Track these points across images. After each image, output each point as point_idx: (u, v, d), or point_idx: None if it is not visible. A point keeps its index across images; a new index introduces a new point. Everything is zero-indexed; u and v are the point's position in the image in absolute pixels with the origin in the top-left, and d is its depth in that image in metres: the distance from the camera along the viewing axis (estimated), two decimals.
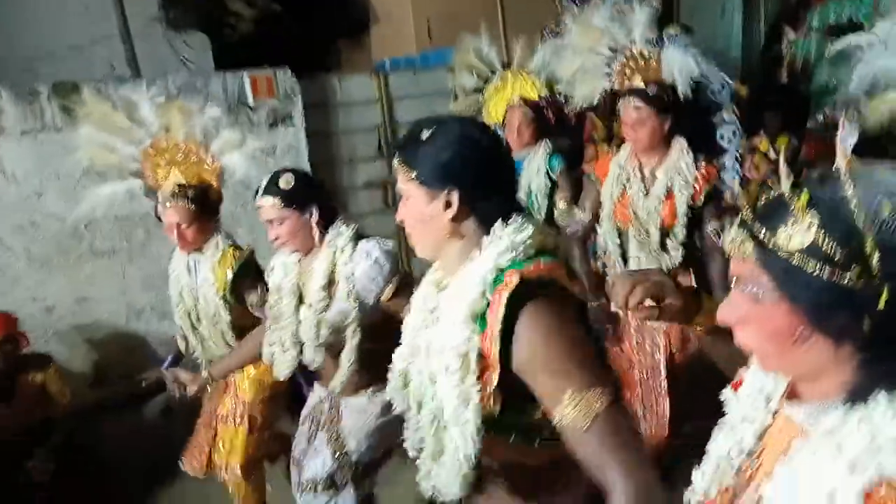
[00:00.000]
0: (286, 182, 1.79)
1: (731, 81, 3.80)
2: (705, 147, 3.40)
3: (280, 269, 1.89)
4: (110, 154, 2.24)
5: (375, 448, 1.93)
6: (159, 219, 2.23)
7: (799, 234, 0.65)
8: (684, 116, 2.26)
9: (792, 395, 0.77)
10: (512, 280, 1.01)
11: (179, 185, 2.17)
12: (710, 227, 2.22)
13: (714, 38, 5.25)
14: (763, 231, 0.68)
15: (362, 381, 1.84)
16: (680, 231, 2.22)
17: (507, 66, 3.29)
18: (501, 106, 3.17)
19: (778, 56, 4.87)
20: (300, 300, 1.82)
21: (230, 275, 2.17)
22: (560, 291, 1.06)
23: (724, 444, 0.83)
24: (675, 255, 2.24)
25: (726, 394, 0.88)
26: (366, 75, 4.38)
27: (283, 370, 1.86)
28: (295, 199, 1.78)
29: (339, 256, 1.77)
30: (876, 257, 0.62)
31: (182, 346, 2.45)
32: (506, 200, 1.11)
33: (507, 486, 1.11)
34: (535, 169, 2.99)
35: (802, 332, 0.68)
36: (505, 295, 1.00)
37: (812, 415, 0.72)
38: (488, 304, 1.02)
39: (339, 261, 1.77)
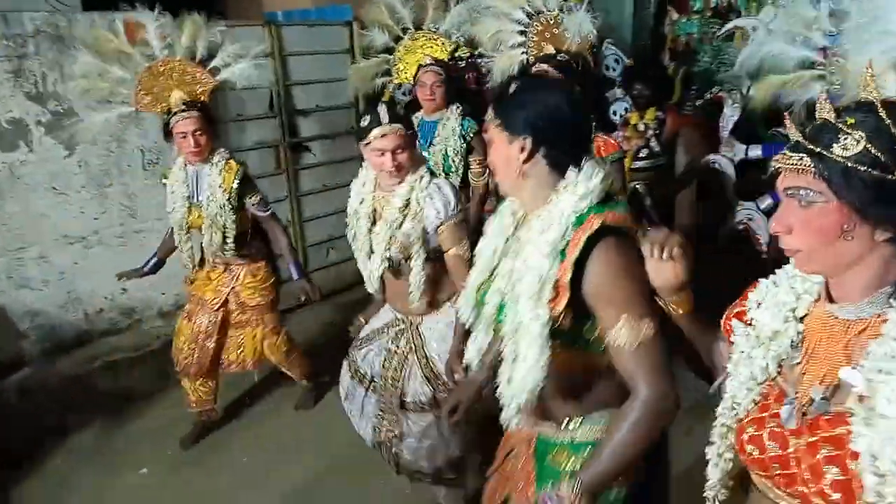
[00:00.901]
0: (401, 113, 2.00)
1: (625, 59, 3.92)
2: (601, 122, 3.48)
3: (356, 197, 2.15)
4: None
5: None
6: (168, 138, 2.59)
7: (852, 145, 0.86)
8: (587, 90, 2.31)
9: (829, 300, 0.96)
10: (593, 224, 1.23)
11: (185, 101, 2.54)
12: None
13: (607, 16, 5.38)
14: (820, 147, 0.89)
15: (433, 301, 2.10)
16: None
17: (419, 25, 3.19)
18: (413, 66, 3.09)
19: (663, 36, 5.09)
20: (373, 223, 2.09)
21: (236, 182, 2.62)
22: (626, 234, 1.27)
23: (745, 370, 1.03)
24: None
25: (734, 324, 1.08)
26: (256, 27, 4.09)
27: (368, 286, 2.19)
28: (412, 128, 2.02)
29: (418, 185, 2.00)
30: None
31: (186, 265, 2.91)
32: (575, 150, 1.30)
33: (560, 386, 1.37)
34: (449, 131, 2.97)
35: (848, 226, 0.88)
36: (585, 236, 1.23)
37: (862, 308, 0.91)
38: (568, 242, 1.24)
39: (417, 189, 2.00)
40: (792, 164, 0.91)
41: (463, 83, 3.31)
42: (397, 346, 2.14)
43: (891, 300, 0.89)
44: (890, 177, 0.85)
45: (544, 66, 2.22)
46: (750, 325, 1.06)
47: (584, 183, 1.26)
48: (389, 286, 2.14)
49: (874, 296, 0.90)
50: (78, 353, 3.48)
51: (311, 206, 4.57)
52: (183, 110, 2.52)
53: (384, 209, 2.05)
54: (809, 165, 0.89)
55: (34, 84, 3.27)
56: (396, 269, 2.05)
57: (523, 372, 1.26)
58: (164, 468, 2.89)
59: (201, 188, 2.68)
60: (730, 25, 3.49)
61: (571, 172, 1.28)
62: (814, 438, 0.89)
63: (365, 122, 1.93)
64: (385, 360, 2.15)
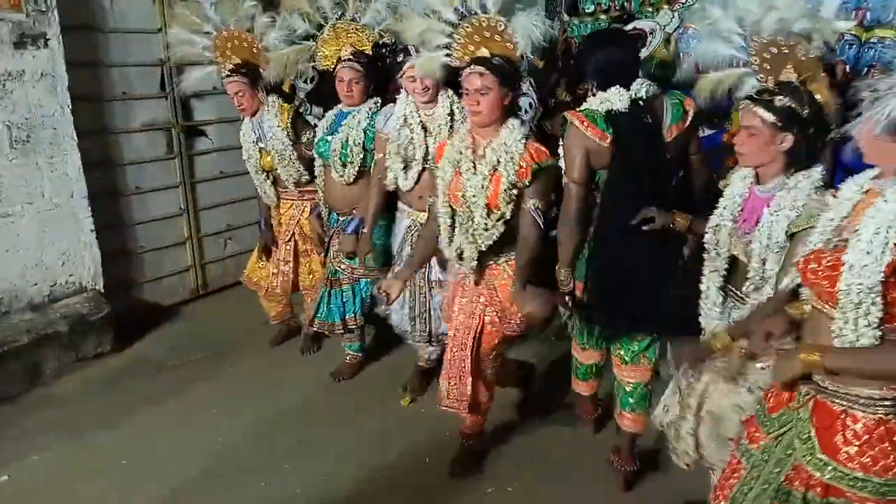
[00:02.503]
0: None
1: (530, 55, 3.96)
2: (538, 130, 3.47)
3: (403, 116, 2.78)
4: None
5: None
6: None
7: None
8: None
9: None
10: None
11: (235, 65, 3.05)
12: (531, 203, 2.21)
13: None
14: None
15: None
16: (505, 210, 2.21)
17: (341, 15, 3.00)
18: (333, 58, 2.93)
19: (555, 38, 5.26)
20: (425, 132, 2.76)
21: (289, 119, 3.14)
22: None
23: (823, 226, 1.53)
24: (494, 232, 2.24)
25: (828, 198, 1.58)
26: (147, 0, 3.81)
27: (408, 183, 2.82)
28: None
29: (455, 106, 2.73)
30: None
31: (268, 203, 3.39)
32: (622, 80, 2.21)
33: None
34: (355, 122, 2.89)
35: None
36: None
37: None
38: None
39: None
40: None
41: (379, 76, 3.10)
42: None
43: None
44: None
45: (479, 69, 2.13)
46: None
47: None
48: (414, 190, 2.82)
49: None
50: None
51: (207, 194, 4.33)
52: (229, 75, 3.05)
53: (428, 123, 2.76)
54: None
55: None
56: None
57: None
58: (28, 475, 2.64)
59: (265, 134, 3.15)
60: (629, 27, 3.60)
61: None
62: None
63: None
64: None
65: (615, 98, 2.19)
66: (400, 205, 2.97)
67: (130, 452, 2.76)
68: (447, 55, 2.31)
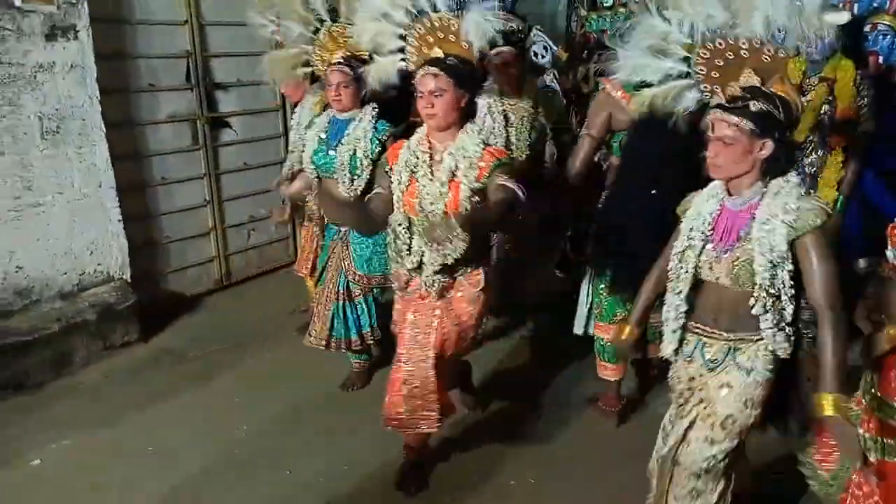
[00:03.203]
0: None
1: (554, 47, 3.93)
2: None
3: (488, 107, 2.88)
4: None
5: None
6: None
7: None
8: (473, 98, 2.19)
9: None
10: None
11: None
12: (496, 181, 2.12)
13: (541, 5, 5.46)
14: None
15: None
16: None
17: (336, 17, 2.85)
18: (325, 63, 2.81)
19: (573, 33, 5.20)
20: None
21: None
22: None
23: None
24: (459, 244, 2.11)
25: None
26: None
27: None
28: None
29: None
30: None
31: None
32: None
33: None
34: (361, 132, 2.77)
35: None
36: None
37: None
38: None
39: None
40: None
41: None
42: None
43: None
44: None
45: (432, 70, 2.05)
46: None
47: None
48: None
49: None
50: None
51: (231, 185, 4.37)
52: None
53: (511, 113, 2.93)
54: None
55: None
56: None
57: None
58: (59, 460, 2.69)
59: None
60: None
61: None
62: None
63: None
64: None
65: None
66: None
67: (155, 440, 2.80)
68: (403, 59, 2.20)
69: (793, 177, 1.72)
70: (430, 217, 2.11)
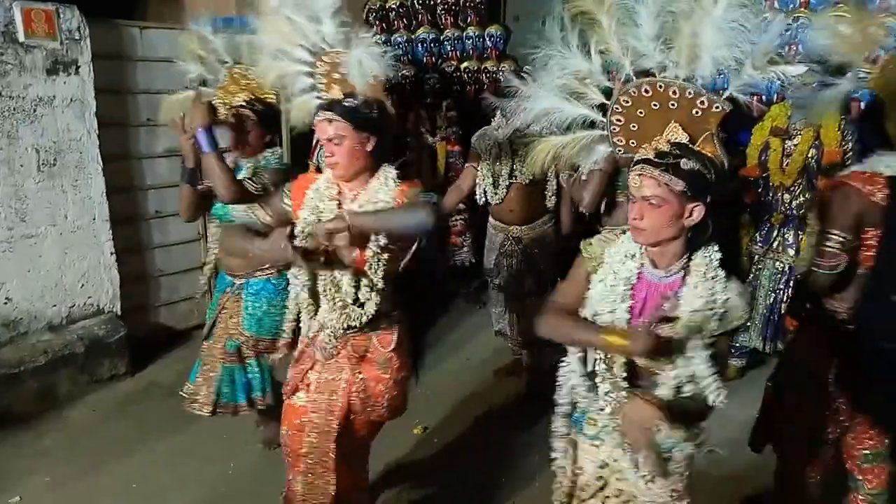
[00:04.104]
0: None
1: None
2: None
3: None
4: None
5: None
6: None
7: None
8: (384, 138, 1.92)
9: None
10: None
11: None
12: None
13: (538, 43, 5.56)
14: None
15: None
16: (375, 278, 1.84)
17: (238, 59, 2.59)
18: (226, 105, 2.56)
19: None
20: None
21: None
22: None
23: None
24: (370, 306, 1.86)
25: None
26: (175, 30, 3.91)
27: (497, 197, 3.23)
28: None
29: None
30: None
31: None
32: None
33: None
34: (264, 174, 2.48)
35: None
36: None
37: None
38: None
39: None
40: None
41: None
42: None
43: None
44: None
45: (327, 115, 1.83)
46: None
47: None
48: None
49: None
50: None
51: None
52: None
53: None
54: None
55: None
56: None
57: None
58: (39, 496, 2.62)
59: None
60: None
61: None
62: None
63: None
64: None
65: None
66: (492, 221, 3.35)
67: (141, 478, 2.74)
68: (318, 97, 1.95)
69: (715, 252, 1.52)
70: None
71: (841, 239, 1.83)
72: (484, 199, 3.24)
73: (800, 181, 3.13)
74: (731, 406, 2.19)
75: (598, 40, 1.54)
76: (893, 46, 2.13)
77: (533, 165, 1.68)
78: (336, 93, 1.87)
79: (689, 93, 1.46)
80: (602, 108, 1.59)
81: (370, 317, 1.86)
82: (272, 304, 2.58)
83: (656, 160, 1.45)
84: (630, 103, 1.53)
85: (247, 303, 2.60)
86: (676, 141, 1.48)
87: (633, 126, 1.56)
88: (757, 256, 3.32)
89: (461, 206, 4.10)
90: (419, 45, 4.96)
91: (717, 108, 1.46)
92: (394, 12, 4.93)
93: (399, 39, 4.89)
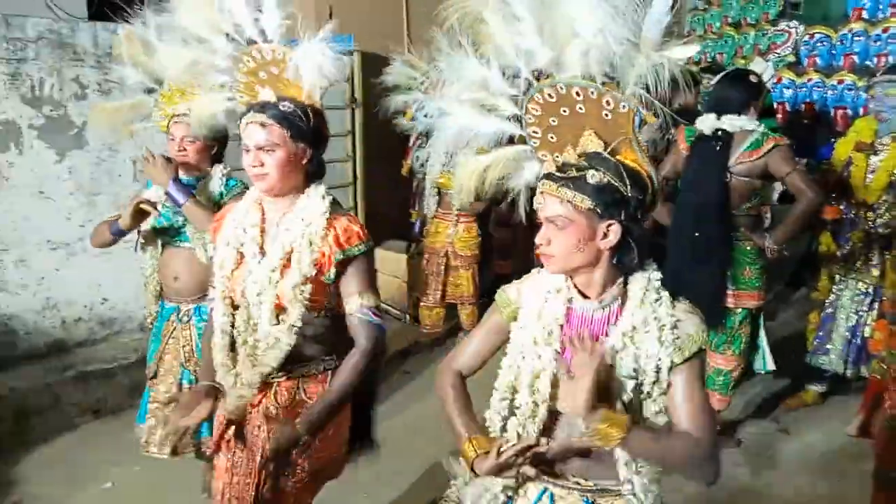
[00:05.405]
0: None
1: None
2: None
3: None
4: None
5: None
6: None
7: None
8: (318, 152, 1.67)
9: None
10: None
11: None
12: (356, 303, 1.63)
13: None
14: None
15: None
16: (293, 314, 1.57)
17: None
18: (168, 115, 2.38)
19: None
20: None
21: None
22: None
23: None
24: (280, 349, 1.58)
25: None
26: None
27: None
28: None
29: None
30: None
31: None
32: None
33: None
34: (207, 195, 2.35)
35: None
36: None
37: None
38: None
39: None
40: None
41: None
42: None
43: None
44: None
45: (259, 118, 1.56)
46: None
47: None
48: None
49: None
50: (52, 360, 3.41)
51: None
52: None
53: None
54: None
55: (30, 88, 3.28)
56: None
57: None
58: (129, 484, 2.81)
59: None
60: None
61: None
62: None
63: None
64: None
65: (703, 122, 2.82)
66: None
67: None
68: (230, 98, 1.70)
69: (655, 273, 1.30)
70: (251, 311, 1.62)
71: None
72: None
73: (884, 198, 3.00)
74: (812, 434, 2.15)
75: (490, 42, 1.29)
76: None
77: (461, 193, 1.40)
78: (266, 94, 1.61)
79: (592, 92, 1.22)
80: (518, 120, 1.34)
81: (281, 359, 1.59)
82: None
83: (557, 174, 1.24)
84: (540, 112, 1.30)
85: (199, 328, 2.37)
86: (588, 151, 1.25)
87: (552, 137, 1.31)
88: (838, 277, 3.20)
89: None
90: None
91: (623, 107, 1.21)
92: None
93: None
